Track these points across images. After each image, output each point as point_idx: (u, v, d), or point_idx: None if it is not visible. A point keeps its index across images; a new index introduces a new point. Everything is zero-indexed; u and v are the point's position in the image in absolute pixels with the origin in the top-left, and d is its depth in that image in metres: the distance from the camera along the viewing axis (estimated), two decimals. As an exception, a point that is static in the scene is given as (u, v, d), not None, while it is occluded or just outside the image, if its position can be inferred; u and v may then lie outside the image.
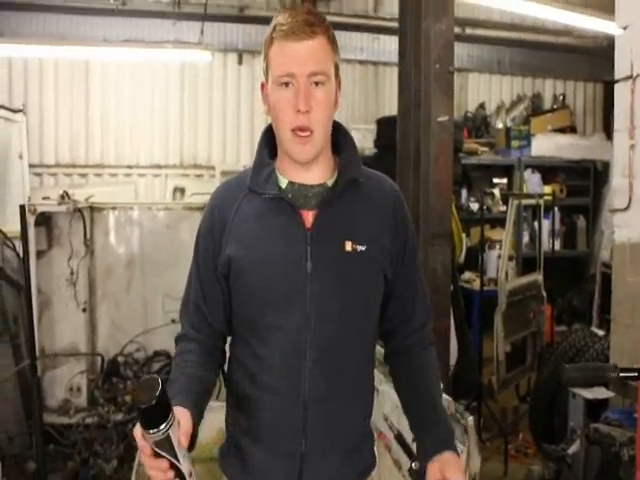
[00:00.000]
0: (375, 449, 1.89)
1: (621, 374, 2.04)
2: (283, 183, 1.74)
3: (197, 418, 1.57)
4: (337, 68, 1.70)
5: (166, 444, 1.38)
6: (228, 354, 1.85)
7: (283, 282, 1.68)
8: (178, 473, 1.41)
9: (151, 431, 1.35)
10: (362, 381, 1.80)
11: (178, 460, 1.40)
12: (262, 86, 1.73)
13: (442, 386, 1.91)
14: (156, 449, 1.38)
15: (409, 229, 1.82)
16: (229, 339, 1.85)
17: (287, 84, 1.62)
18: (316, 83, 1.62)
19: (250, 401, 1.74)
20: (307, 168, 1.71)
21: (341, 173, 1.74)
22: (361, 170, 1.77)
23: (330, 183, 1.74)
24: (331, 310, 1.69)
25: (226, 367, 1.86)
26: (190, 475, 1.43)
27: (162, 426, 1.35)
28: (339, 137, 1.79)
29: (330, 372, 1.70)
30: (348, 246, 1.68)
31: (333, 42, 1.68)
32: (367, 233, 1.71)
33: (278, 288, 1.69)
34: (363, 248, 1.69)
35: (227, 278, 1.74)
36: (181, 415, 1.46)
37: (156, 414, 1.35)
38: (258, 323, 1.71)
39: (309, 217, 1.70)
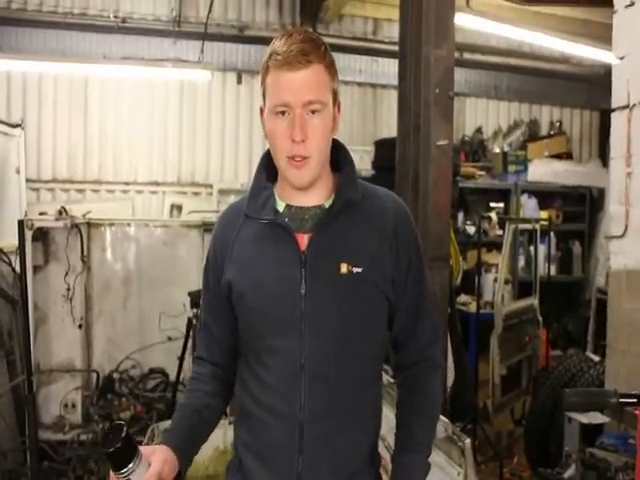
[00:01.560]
0: (382, 472, 1.87)
1: (621, 400, 2.05)
2: (280, 207, 1.76)
3: (183, 453, 1.66)
4: (335, 93, 1.71)
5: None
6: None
7: (278, 305, 1.70)
8: None
9: (116, 473, 1.48)
10: (362, 402, 1.78)
11: None
12: (261, 110, 1.74)
13: (438, 411, 1.89)
14: None
15: (412, 248, 1.79)
16: None
17: (283, 113, 1.64)
18: (312, 112, 1.63)
19: (253, 420, 1.76)
20: (305, 191, 1.72)
21: (338, 194, 1.74)
22: (358, 189, 1.76)
23: (327, 204, 1.74)
24: (326, 332, 1.69)
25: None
26: None
27: (124, 470, 1.47)
28: (339, 155, 1.80)
29: (325, 393, 1.70)
30: (344, 268, 1.68)
31: (330, 68, 1.68)
32: (364, 254, 1.70)
33: (273, 311, 1.71)
34: (359, 270, 1.68)
35: (230, 301, 1.78)
36: (158, 454, 1.57)
37: (119, 458, 1.47)
38: (257, 345, 1.74)
39: (304, 240, 1.71)
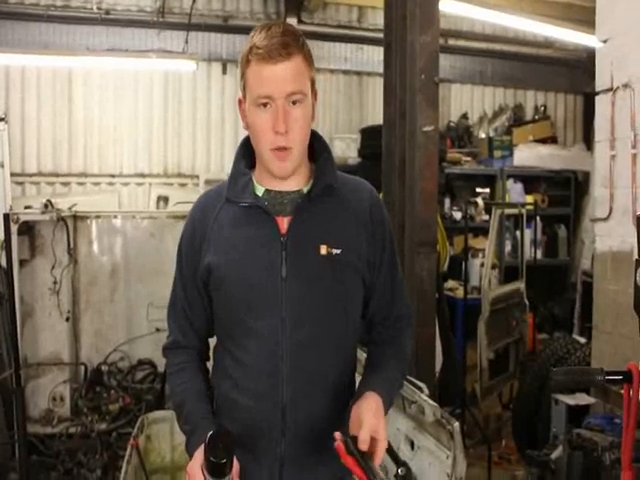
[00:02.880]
0: None
1: (607, 377, 2.07)
2: (260, 191, 1.79)
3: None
4: (313, 82, 1.74)
5: None
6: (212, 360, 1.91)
7: (259, 287, 1.73)
8: None
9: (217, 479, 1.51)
10: (342, 383, 1.81)
11: None
12: (240, 102, 1.76)
13: (404, 374, 1.92)
14: None
15: (387, 232, 1.85)
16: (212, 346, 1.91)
17: (265, 105, 1.66)
18: (294, 102, 1.66)
19: (233, 405, 1.78)
20: (284, 178, 1.76)
21: (317, 180, 1.78)
22: (336, 176, 1.81)
23: (306, 190, 1.78)
24: (306, 314, 1.72)
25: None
26: None
27: (226, 478, 1.51)
28: (315, 144, 1.83)
29: (306, 375, 1.73)
30: (323, 250, 1.72)
31: (309, 58, 1.71)
32: (342, 237, 1.75)
33: (254, 294, 1.73)
34: (338, 251, 1.73)
35: (207, 285, 1.79)
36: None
37: (225, 467, 1.50)
38: (236, 328, 1.76)
39: (284, 223, 1.74)
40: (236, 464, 1.57)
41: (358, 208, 1.80)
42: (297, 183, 1.78)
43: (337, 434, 1.60)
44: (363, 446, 1.57)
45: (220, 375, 1.82)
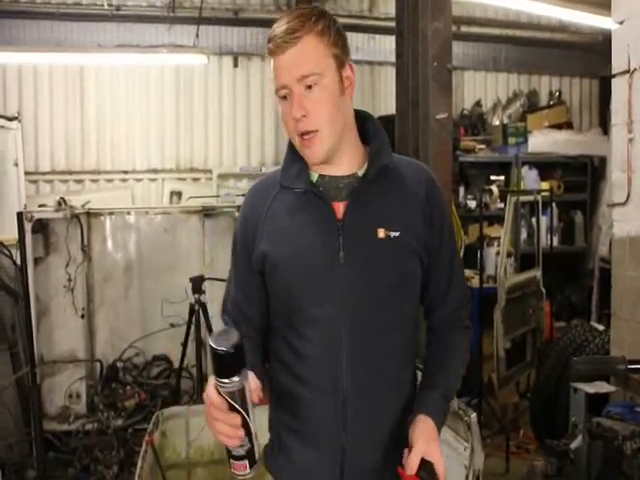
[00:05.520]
0: None
1: (629, 366, 2.02)
2: (314, 177, 1.76)
3: (262, 378, 1.55)
4: (338, 57, 1.70)
5: (240, 397, 1.32)
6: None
7: (316, 274, 1.69)
8: (248, 432, 1.35)
9: (226, 381, 1.30)
10: (403, 371, 1.77)
11: (249, 415, 1.34)
12: None
13: (462, 371, 1.86)
14: (231, 401, 1.32)
15: (445, 214, 1.82)
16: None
17: (285, 97, 1.66)
18: (309, 86, 1.63)
19: (291, 397, 1.74)
20: (333, 162, 1.73)
21: (371, 162, 1.74)
22: (392, 156, 1.77)
23: (361, 173, 1.74)
24: (365, 299, 1.68)
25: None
26: (256, 437, 1.37)
27: (237, 377, 1.30)
28: (367, 126, 1.80)
29: (367, 364, 1.69)
30: (381, 233, 1.68)
31: (325, 34, 1.66)
32: (400, 219, 1.71)
33: (312, 281, 1.70)
34: (397, 234, 1.69)
35: (263, 274, 1.76)
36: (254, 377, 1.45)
37: (233, 363, 1.30)
38: (294, 317, 1.72)
39: (340, 208, 1.71)
40: (256, 380, 1.44)
41: (415, 189, 1.75)
42: (350, 167, 1.75)
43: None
44: (409, 471, 1.55)
45: (278, 368, 1.78)
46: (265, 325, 1.82)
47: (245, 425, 1.34)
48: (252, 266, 1.77)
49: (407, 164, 1.82)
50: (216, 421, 1.38)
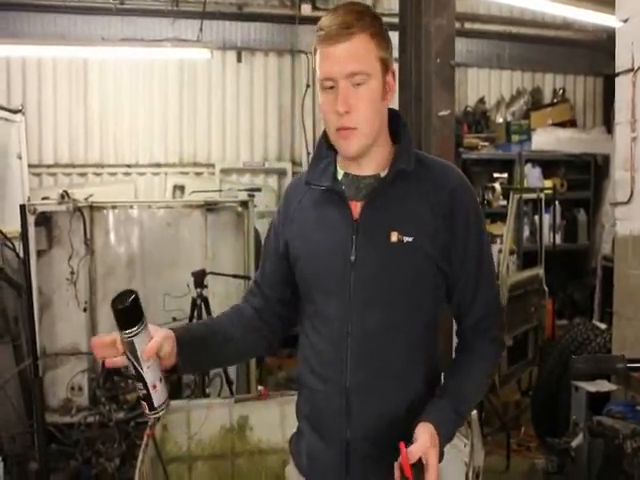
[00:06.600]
0: None
1: (629, 365, 2.03)
2: (340, 175, 1.80)
3: (182, 349, 1.68)
4: (385, 61, 1.70)
5: (129, 349, 1.54)
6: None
7: (329, 271, 1.75)
8: (140, 379, 1.56)
9: (122, 332, 1.52)
10: (412, 372, 1.76)
11: (140, 366, 1.55)
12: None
13: (484, 388, 1.83)
14: (126, 351, 1.55)
15: (472, 221, 1.76)
16: None
17: (331, 87, 1.67)
18: (358, 84, 1.65)
19: (306, 387, 1.83)
20: (360, 161, 1.75)
21: (392, 164, 1.75)
22: (411, 161, 1.75)
23: (383, 174, 1.76)
24: (373, 300, 1.71)
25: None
26: (154, 387, 1.58)
27: (127, 330, 1.51)
28: (397, 126, 1.81)
29: (371, 362, 1.72)
30: (394, 236, 1.69)
31: (377, 37, 1.67)
32: (416, 224, 1.71)
33: (324, 276, 1.76)
34: (410, 239, 1.69)
35: (289, 262, 1.86)
36: (161, 332, 1.61)
37: (126, 318, 1.52)
38: (310, 310, 1.81)
39: (357, 208, 1.74)
40: (158, 342, 1.58)
41: (437, 193, 1.73)
42: (375, 167, 1.77)
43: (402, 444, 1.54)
44: (410, 457, 1.52)
45: (300, 358, 1.87)
46: (282, 309, 1.92)
47: (138, 375, 1.56)
48: (278, 251, 1.88)
49: (440, 167, 1.80)
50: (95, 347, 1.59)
